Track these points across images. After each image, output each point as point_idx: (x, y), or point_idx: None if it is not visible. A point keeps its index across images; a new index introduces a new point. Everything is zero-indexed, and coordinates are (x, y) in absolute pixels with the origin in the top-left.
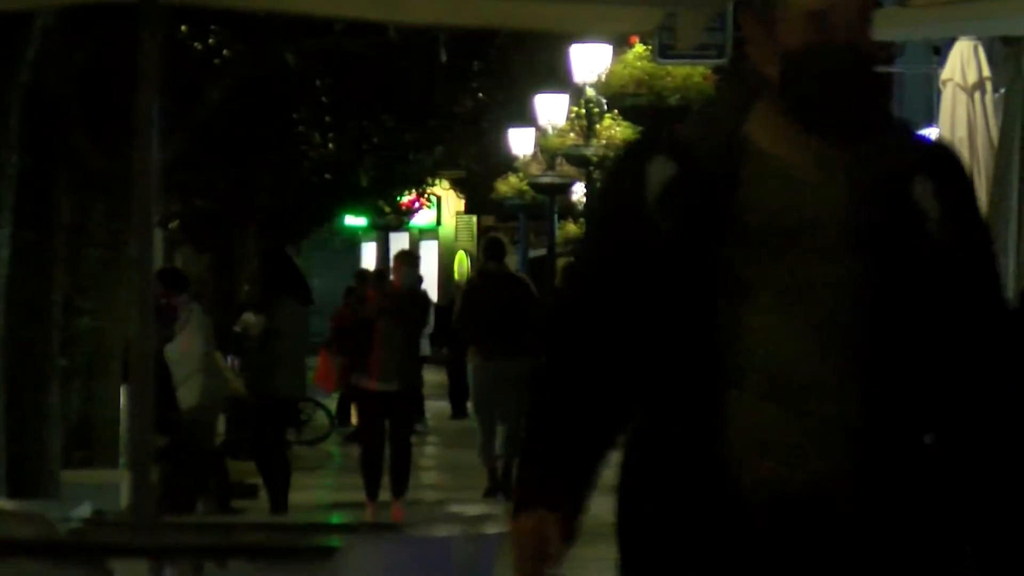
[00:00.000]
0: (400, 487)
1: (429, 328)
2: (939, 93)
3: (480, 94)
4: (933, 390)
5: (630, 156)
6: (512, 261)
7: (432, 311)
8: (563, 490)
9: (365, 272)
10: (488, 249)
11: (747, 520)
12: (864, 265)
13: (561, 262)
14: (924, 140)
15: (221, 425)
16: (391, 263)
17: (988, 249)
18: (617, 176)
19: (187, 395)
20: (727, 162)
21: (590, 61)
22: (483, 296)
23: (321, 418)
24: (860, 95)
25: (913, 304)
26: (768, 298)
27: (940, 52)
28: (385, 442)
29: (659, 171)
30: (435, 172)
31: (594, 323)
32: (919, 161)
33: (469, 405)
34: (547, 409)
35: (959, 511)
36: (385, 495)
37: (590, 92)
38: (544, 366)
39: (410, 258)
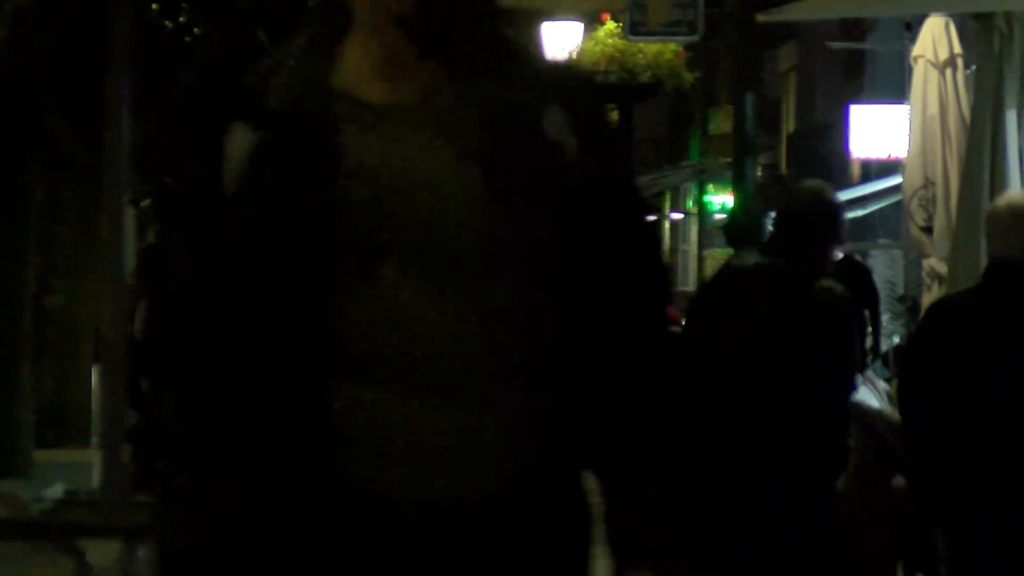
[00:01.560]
0: None
1: None
2: (910, 70)
3: None
4: (589, 370)
5: (197, 131)
6: None
7: None
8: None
9: None
10: None
11: (368, 536)
12: (499, 217)
13: None
14: (553, 66)
15: None
16: None
17: (632, 187)
18: (184, 159)
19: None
20: (315, 118)
21: (562, 38)
22: None
23: None
24: (489, 12)
25: (559, 261)
26: (391, 272)
27: (911, 29)
28: None
29: (238, 145)
30: None
31: (198, 352)
32: (549, 90)
33: None
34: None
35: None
36: None
37: None
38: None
39: None
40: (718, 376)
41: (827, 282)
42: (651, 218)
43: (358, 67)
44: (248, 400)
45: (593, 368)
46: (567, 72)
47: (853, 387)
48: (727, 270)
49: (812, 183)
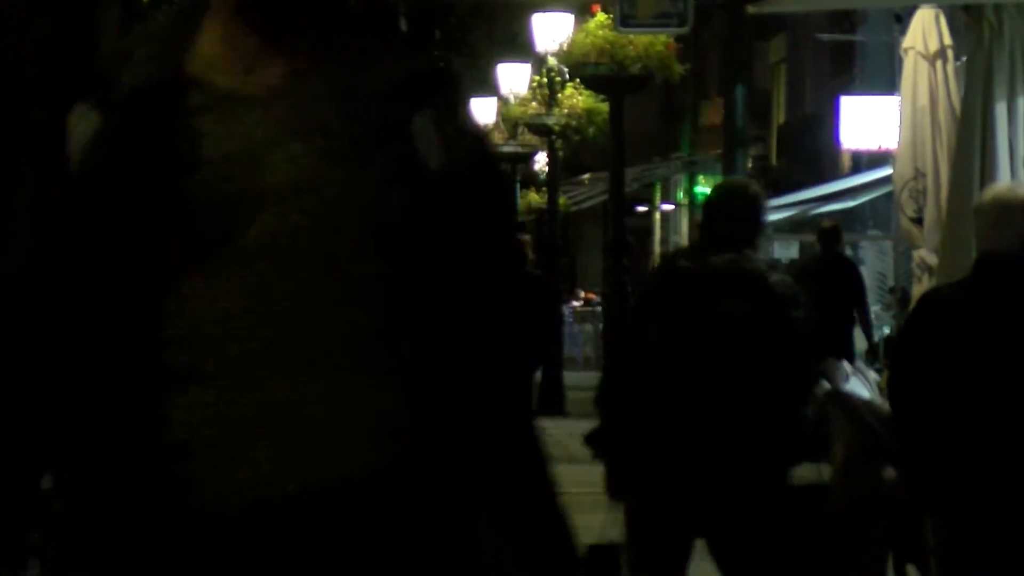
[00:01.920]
0: None
1: None
2: (901, 61)
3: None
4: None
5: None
6: None
7: None
8: None
9: None
10: None
11: (198, 545)
12: (348, 213)
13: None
14: (422, 64)
15: None
16: None
17: (502, 193)
18: (29, 137)
19: None
20: (163, 104)
21: (552, 30)
22: None
23: None
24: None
25: (412, 261)
26: (235, 266)
27: (902, 20)
28: None
29: (81, 126)
30: None
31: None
32: (415, 89)
33: None
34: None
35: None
36: None
37: (552, 61)
38: None
39: None
40: (687, 375)
41: (778, 275)
42: (514, 230)
43: (211, 53)
44: (79, 406)
45: (442, 372)
46: (435, 72)
47: (813, 374)
48: (675, 271)
49: (737, 179)
